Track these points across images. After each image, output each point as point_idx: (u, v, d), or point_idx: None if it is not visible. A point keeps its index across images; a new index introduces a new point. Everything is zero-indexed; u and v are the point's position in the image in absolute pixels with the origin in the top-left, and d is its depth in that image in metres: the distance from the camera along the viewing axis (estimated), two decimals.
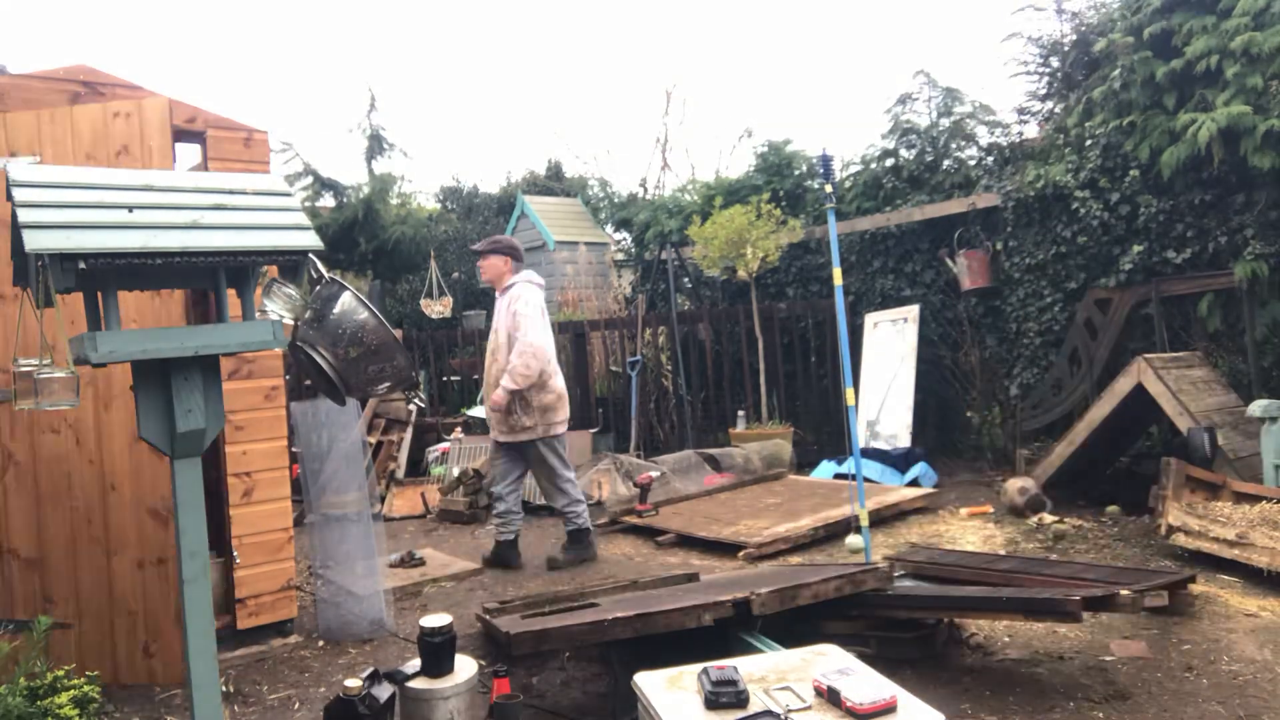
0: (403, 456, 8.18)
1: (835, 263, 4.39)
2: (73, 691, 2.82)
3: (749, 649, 3.02)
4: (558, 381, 5.39)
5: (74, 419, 3.76)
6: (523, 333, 5.20)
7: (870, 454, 7.33)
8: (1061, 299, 7.32)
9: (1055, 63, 8.06)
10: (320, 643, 4.34)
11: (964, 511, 6.18)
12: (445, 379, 10.74)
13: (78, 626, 3.70)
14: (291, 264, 2.33)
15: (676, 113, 16.47)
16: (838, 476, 7.25)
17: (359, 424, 4.61)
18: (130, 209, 2.14)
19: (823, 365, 8.92)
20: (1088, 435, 5.95)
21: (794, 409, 9.04)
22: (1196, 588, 4.33)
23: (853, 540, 4.82)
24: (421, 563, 5.57)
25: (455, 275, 12.27)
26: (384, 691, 2.87)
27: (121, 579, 3.80)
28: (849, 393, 4.45)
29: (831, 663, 2.37)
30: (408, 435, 8.30)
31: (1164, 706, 3.16)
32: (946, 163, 8.44)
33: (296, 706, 3.61)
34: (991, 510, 6.03)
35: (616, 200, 13.28)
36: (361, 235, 10.93)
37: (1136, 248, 6.76)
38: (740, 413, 8.74)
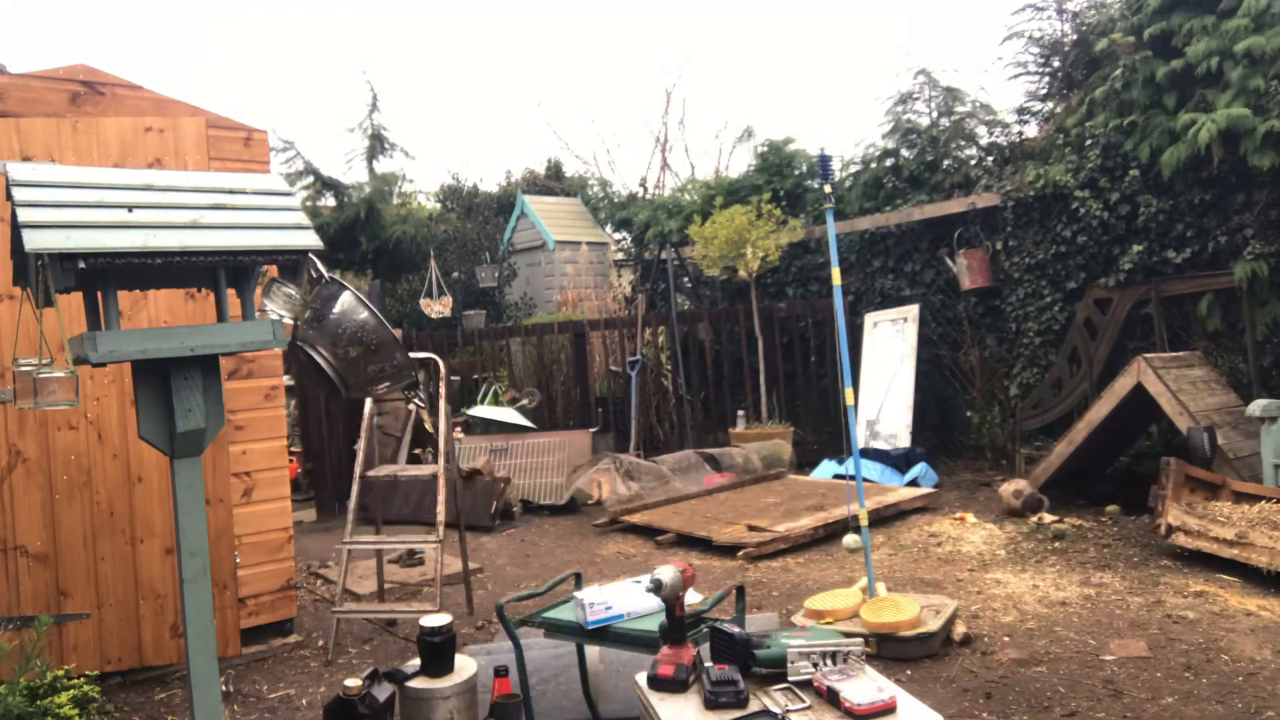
0: (403, 455, 8.18)
1: (834, 262, 4.38)
2: (73, 691, 2.83)
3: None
4: None
5: (96, 415, 3.83)
6: None
7: (870, 454, 7.33)
8: (1061, 299, 7.32)
9: (1055, 63, 8.06)
10: (320, 642, 4.34)
11: (969, 517, 6.17)
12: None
13: (98, 615, 3.79)
14: (291, 263, 2.33)
15: (676, 112, 16.51)
16: (838, 476, 7.25)
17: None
18: (130, 208, 2.14)
19: (822, 365, 8.92)
20: (1088, 435, 5.95)
21: (794, 409, 9.03)
22: (1195, 586, 4.34)
23: (850, 539, 4.81)
24: (421, 562, 5.57)
25: (455, 275, 12.26)
26: (384, 691, 2.87)
27: (148, 566, 3.90)
28: (848, 393, 4.44)
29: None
30: (407, 435, 8.30)
31: (1164, 706, 3.17)
32: (946, 162, 8.43)
33: (297, 706, 3.61)
34: (974, 517, 5.99)
35: (616, 200, 13.28)
36: (362, 235, 10.93)
37: (1136, 247, 6.76)
38: (740, 412, 8.75)
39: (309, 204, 10.90)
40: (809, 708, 2.15)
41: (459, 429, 8.71)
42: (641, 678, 2.40)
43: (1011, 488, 6.07)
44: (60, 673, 2.95)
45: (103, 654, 3.80)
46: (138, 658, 3.87)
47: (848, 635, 2.52)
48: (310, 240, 2.29)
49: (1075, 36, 7.81)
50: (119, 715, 3.58)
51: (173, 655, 3.91)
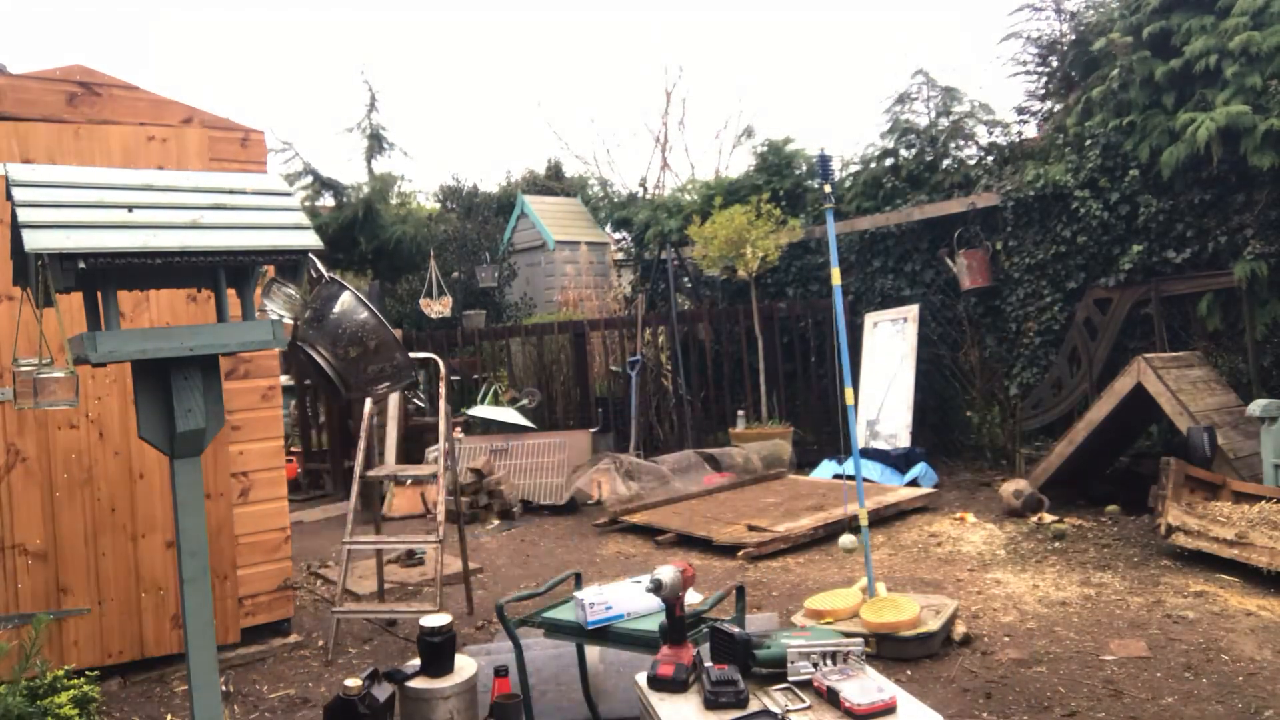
0: (391, 454, 8.17)
1: (834, 262, 4.38)
2: (72, 691, 2.82)
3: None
4: None
5: (97, 414, 3.85)
6: None
7: (870, 454, 7.32)
8: (1061, 299, 7.32)
9: (1054, 62, 8.06)
10: (320, 642, 4.34)
11: (968, 517, 6.17)
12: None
13: (98, 610, 3.82)
14: (291, 263, 2.33)
15: (676, 113, 16.50)
16: (838, 476, 7.25)
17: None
18: (130, 209, 2.14)
19: (822, 365, 8.92)
20: (1087, 435, 5.95)
21: (794, 409, 9.03)
22: (1195, 586, 4.34)
23: (845, 540, 4.82)
24: (421, 562, 5.57)
25: (455, 275, 12.26)
26: (384, 691, 2.87)
27: (149, 560, 3.95)
28: (848, 393, 4.44)
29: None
30: (391, 433, 8.28)
31: (1164, 706, 3.16)
32: (946, 162, 8.43)
33: (297, 706, 3.61)
34: (974, 517, 5.99)
35: (616, 200, 13.28)
36: (361, 235, 10.91)
37: (1136, 247, 6.76)
38: (740, 412, 8.75)
39: (308, 204, 10.89)
40: (809, 708, 2.15)
41: (459, 429, 8.70)
42: (641, 678, 2.40)
43: (1011, 488, 6.07)
44: (60, 672, 2.95)
45: (104, 648, 3.83)
46: (139, 650, 3.92)
47: (848, 635, 2.52)
48: (310, 240, 2.29)
49: (1074, 36, 7.81)
50: (119, 715, 3.58)
51: (173, 645, 3.97)
